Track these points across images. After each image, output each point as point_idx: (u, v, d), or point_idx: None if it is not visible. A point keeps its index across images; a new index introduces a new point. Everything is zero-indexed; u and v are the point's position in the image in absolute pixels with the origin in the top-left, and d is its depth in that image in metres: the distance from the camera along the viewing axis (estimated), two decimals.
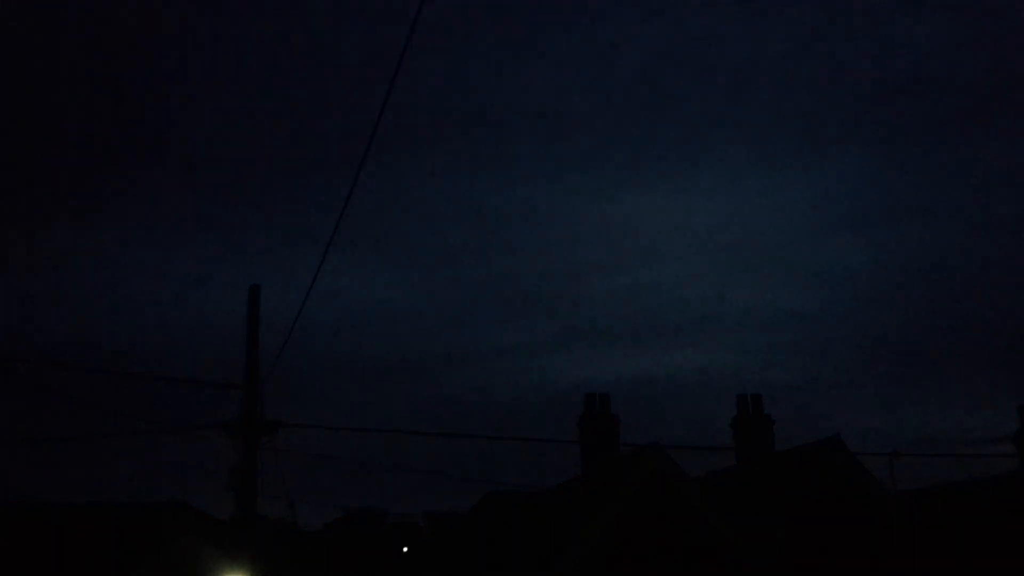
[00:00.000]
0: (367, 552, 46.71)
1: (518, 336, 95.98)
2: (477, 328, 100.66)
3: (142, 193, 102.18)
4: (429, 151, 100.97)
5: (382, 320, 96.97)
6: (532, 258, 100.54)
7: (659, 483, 21.48)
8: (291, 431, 16.15)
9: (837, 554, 22.31)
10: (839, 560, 22.19)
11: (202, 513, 32.43)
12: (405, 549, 44.64)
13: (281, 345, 16.50)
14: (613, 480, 22.39)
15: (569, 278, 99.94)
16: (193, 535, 28.21)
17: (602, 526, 20.90)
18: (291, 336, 16.36)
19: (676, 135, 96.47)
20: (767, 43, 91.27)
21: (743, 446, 26.14)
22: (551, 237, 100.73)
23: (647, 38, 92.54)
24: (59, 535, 30.10)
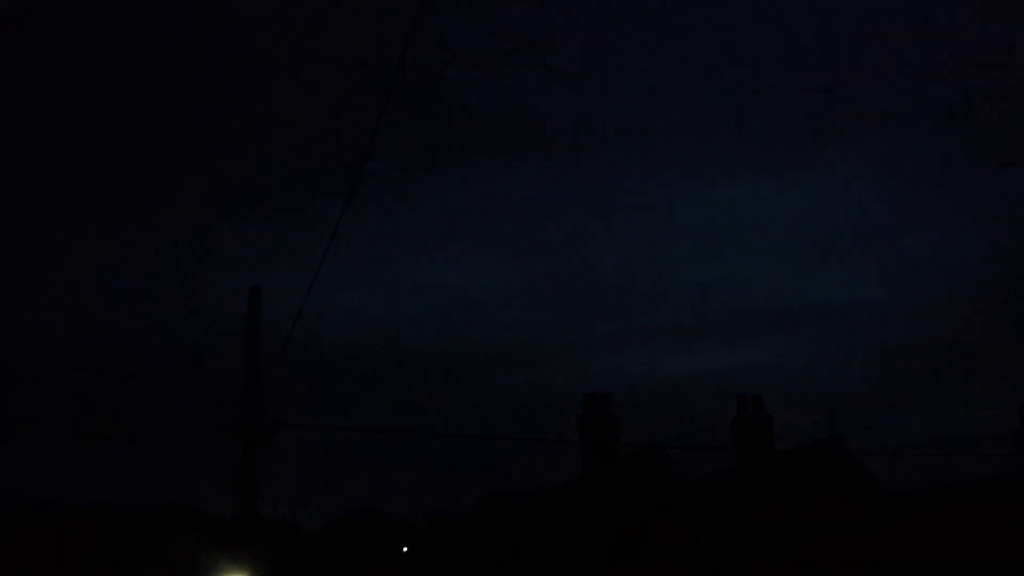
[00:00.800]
0: (367, 552, 46.69)
1: (577, 333, 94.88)
2: (536, 324, 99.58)
3: (142, 193, 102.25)
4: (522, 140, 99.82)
5: (424, 316, 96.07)
6: (611, 251, 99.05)
7: (659, 483, 21.50)
8: (292, 431, 16.14)
9: (837, 554, 22.31)
10: (839, 560, 22.19)
11: (202, 513, 32.48)
12: (405, 549, 44.60)
13: (283, 344, 16.50)
14: (613, 480, 22.40)
15: (645, 272, 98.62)
16: (193, 536, 28.24)
17: (602, 526, 20.91)
18: (291, 335, 16.34)
19: (776, 128, 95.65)
20: (891, 41, 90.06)
21: (743, 446, 26.14)
22: (631, 230, 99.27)
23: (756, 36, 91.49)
24: (59, 536, 30.12)
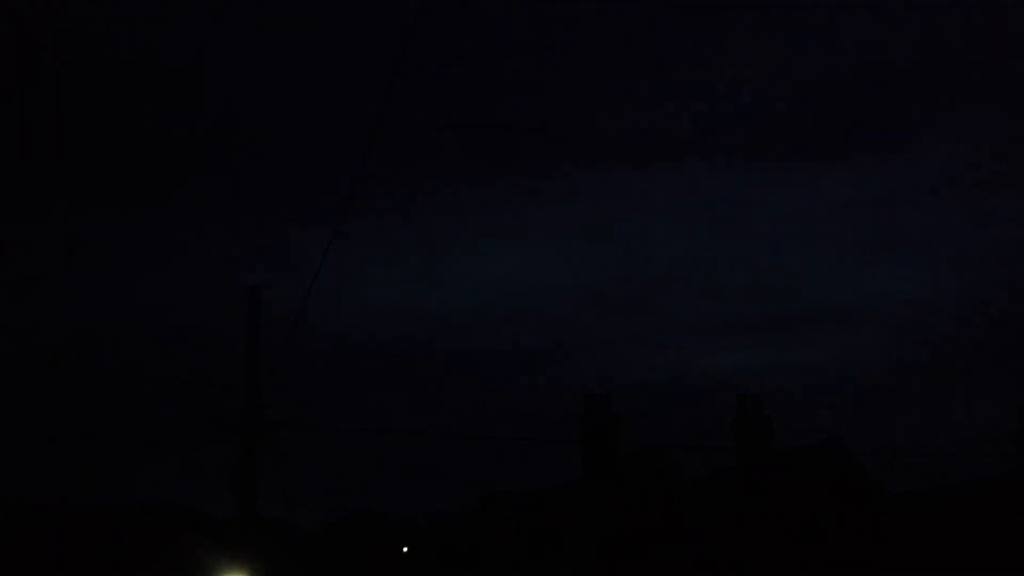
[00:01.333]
0: (367, 552, 46.73)
1: (617, 330, 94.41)
2: (573, 322, 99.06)
3: (142, 193, 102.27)
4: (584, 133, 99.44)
5: (427, 316, 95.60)
6: (667, 246, 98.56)
7: (659, 483, 21.51)
8: (293, 431, 16.13)
9: (837, 554, 22.32)
10: (839, 560, 22.21)
11: (201, 514, 32.48)
12: (405, 549, 44.63)
13: (284, 344, 16.48)
14: (613, 480, 22.41)
15: (691, 269, 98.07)
16: (192, 536, 28.25)
17: (602, 526, 20.91)
18: (292, 336, 16.32)
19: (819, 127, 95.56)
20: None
21: (743, 446, 26.13)
22: (689, 223, 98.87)
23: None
24: (59, 536, 30.12)
